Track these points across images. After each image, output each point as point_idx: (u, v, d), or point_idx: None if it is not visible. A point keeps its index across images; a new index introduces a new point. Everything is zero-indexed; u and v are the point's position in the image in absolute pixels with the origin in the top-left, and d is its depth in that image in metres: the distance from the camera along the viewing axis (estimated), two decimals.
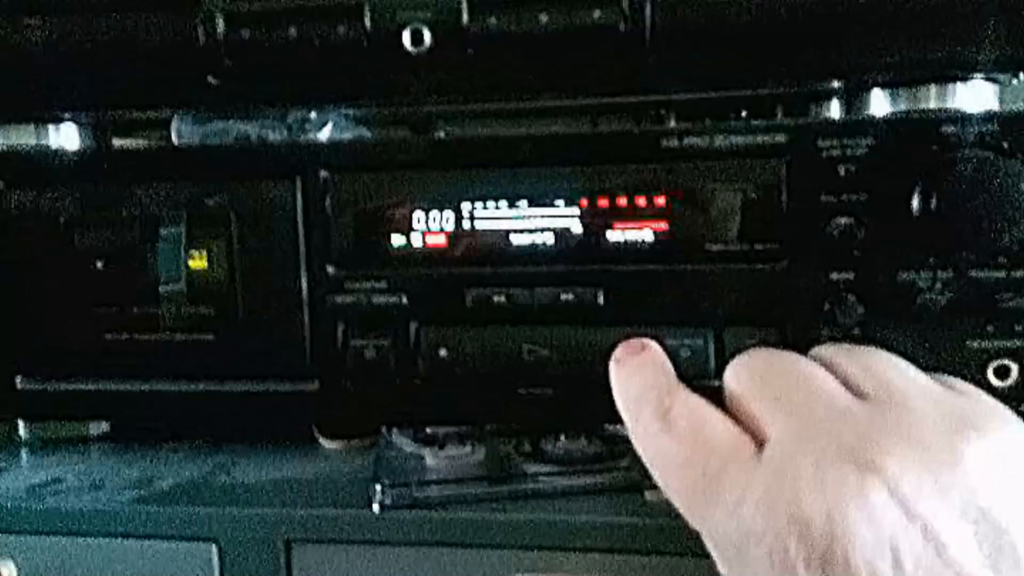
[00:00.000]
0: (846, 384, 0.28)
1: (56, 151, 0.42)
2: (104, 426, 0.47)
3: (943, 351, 0.33)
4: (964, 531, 0.23)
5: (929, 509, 0.23)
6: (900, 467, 0.24)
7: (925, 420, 0.26)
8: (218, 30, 0.36)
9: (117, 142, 0.47)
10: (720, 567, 0.27)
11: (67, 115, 0.42)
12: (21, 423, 0.47)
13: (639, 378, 0.31)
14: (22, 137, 0.42)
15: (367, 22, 0.35)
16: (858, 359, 0.29)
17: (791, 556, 0.23)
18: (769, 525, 0.24)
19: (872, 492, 0.23)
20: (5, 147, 0.42)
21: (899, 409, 0.26)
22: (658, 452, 0.29)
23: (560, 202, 0.35)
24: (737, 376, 0.30)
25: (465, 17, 0.34)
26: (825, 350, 0.31)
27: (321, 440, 0.45)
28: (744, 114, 0.46)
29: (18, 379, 0.39)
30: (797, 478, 0.24)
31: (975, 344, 0.33)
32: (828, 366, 0.29)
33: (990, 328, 0.33)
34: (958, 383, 0.29)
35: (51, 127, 0.42)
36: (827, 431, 0.25)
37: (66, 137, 0.43)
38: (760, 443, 0.27)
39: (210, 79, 0.36)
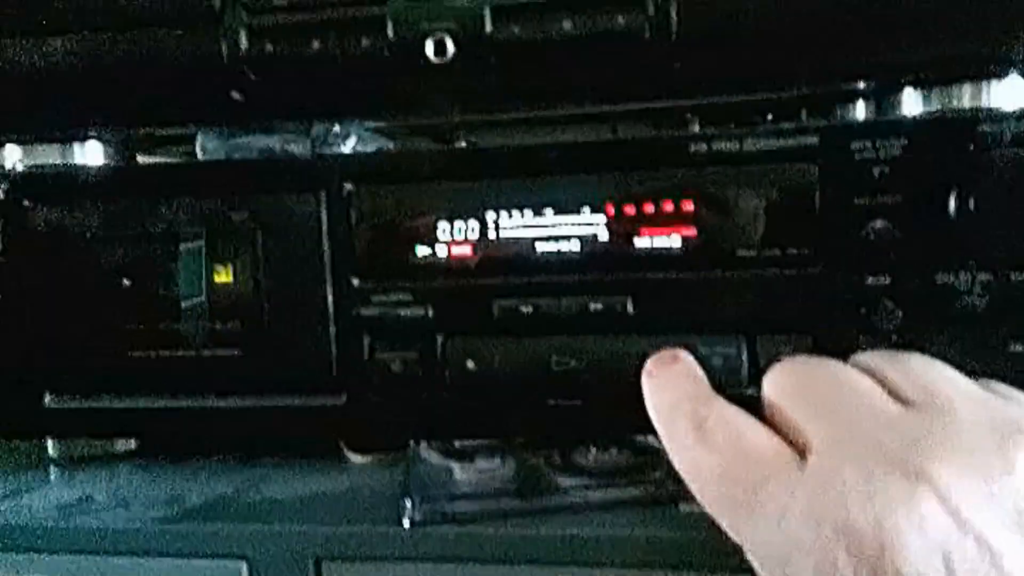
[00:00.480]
0: (889, 391, 0.27)
1: (82, 169, 0.42)
2: (131, 443, 0.47)
3: (984, 355, 0.32)
4: (1018, 539, 0.22)
5: (981, 517, 0.22)
6: (950, 475, 0.23)
7: (973, 426, 0.25)
8: (241, 45, 0.36)
9: (141, 159, 0.47)
10: None
11: (92, 133, 0.42)
12: (49, 441, 0.48)
13: (672, 390, 0.30)
14: (48, 156, 0.43)
15: (390, 33, 0.35)
16: (901, 365, 0.29)
17: (840, 568, 0.23)
18: (816, 537, 0.24)
19: (922, 501, 0.23)
20: (31, 166, 0.42)
21: (946, 415, 0.26)
22: (695, 465, 0.28)
23: (586, 209, 0.35)
24: (776, 385, 0.29)
25: (488, 25, 0.34)
26: (865, 357, 0.30)
27: (348, 454, 0.45)
28: (769, 117, 0.46)
29: (46, 397, 0.39)
30: (844, 488, 0.24)
31: (1017, 347, 0.33)
32: (870, 373, 0.28)
33: None
34: (1003, 388, 0.29)
35: (76, 145, 0.43)
36: (873, 439, 0.25)
37: (91, 155, 0.43)
38: (802, 453, 0.26)
39: (234, 94, 0.37)
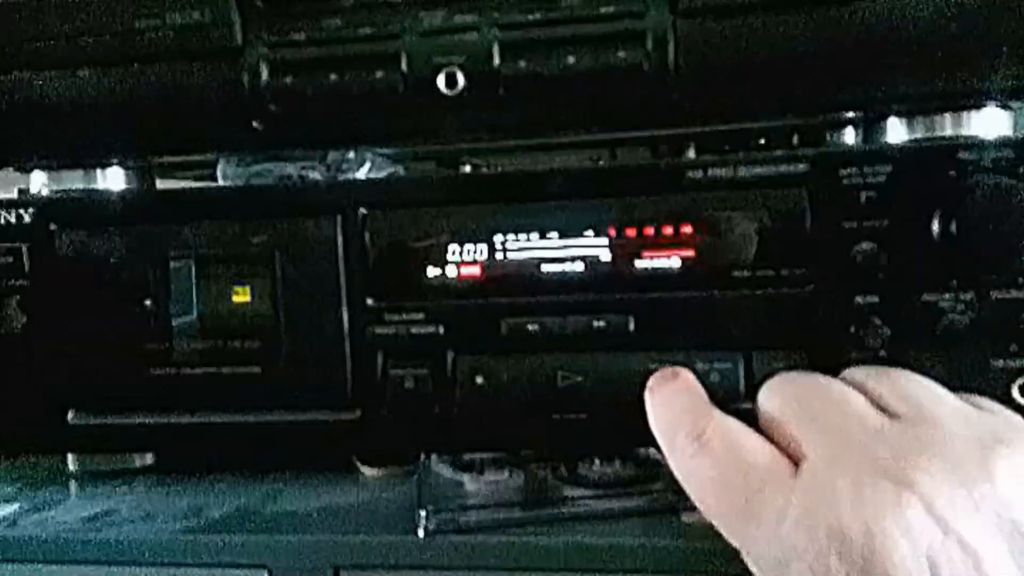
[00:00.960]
0: (877, 405, 0.29)
1: (106, 194, 0.44)
2: (148, 458, 0.48)
3: (968, 370, 0.34)
4: (998, 544, 0.24)
5: (964, 523, 0.24)
6: (934, 483, 0.24)
7: (956, 437, 0.26)
8: (262, 78, 0.37)
9: (160, 183, 0.49)
10: None
11: (115, 160, 0.44)
12: (70, 457, 0.49)
13: (672, 404, 0.32)
14: (72, 181, 0.44)
15: (404, 67, 0.36)
16: (888, 380, 0.30)
17: (833, 572, 0.24)
18: (810, 542, 0.25)
19: (908, 508, 0.24)
20: (57, 191, 0.44)
21: (930, 427, 0.27)
22: (695, 474, 0.30)
23: (590, 233, 0.36)
24: (771, 399, 0.31)
25: (497, 60, 0.36)
26: (855, 372, 0.32)
27: (361, 468, 0.46)
28: (761, 143, 0.47)
29: (70, 414, 0.40)
30: (835, 496, 0.25)
31: (999, 363, 0.34)
32: (859, 388, 0.30)
33: (1013, 347, 0.34)
34: (984, 401, 0.30)
35: (98, 171, 0.44)
36: (862, 450, 0.26)
37: (113, 180, 0.45)
38: (796, 463, 0.28)
39: (254, 124, 0.38)
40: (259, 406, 0.39)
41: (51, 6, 0.38)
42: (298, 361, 0.39)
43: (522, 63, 0.36)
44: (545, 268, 0.37)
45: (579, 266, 0.37)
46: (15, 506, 0.44)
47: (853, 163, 0.34)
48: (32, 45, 0.39)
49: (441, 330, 0.37)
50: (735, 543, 0.28)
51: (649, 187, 0.36)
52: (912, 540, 0.24)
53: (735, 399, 0.34)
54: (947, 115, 0.37)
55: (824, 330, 0.35)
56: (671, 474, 0.31)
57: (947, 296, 0.34)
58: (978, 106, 0.37)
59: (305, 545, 0.38)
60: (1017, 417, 0.29)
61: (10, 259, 0.40)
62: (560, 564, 0.37)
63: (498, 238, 0.37)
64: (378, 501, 0.42)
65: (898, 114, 0.38)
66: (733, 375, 0.35)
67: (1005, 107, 0.37)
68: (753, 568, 0.28)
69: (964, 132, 0.37)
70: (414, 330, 0.37)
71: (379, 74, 0.36)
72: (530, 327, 0.37)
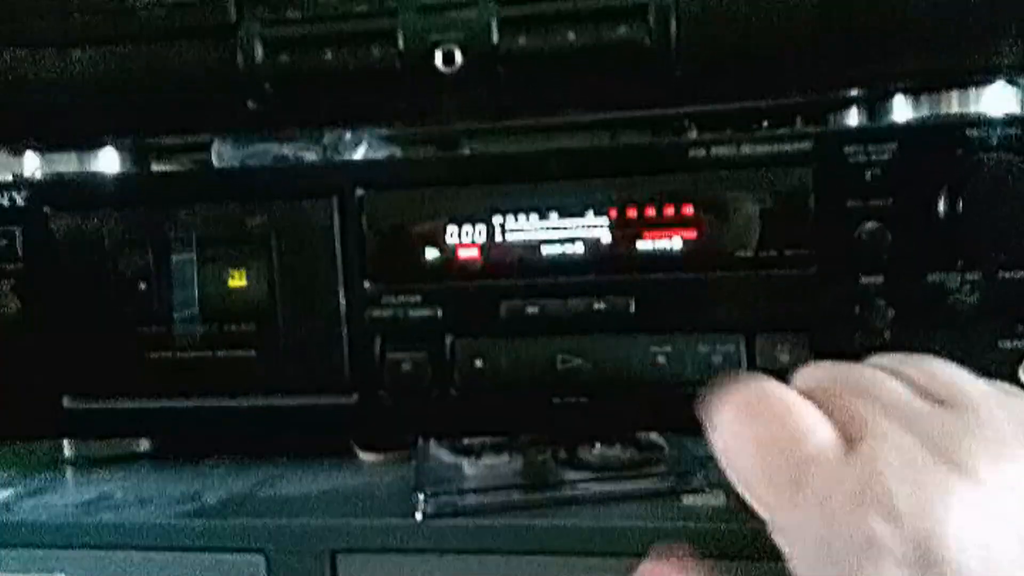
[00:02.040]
0: (916, 390, 0.28)
1: (100, 176, 0.43)
2: (145, 444, 0.48)
3: (974, 351, 0.33)
4: None
5: (1018, 507, 0.23)
6: (988, 467, 0.24)
7: (999, 422, 0.26)
8: (257, 56, 0.37)
9: (155, 166, 0.48)
10: (796, 567, 0.27)
11: (109, 141, 0.44)
12: (66, 443, 0.48)
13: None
14: (65, 163, 0.44)
15: (400, 44, 0.36)
16: (920, 366, 0.30)
17: (883, 554, 0.24)
18: (860, 522, 0.25)
19: (966, 491, 0.24)
20: (50, 174, 0.43)
21: (975, 412, 0.27)
22: (739, 437, 0.28)
23: (590, 213, 0.36)
24: (812, 378, 0.30)
25: (495, 36, 0.36)
26: (883, 359, 0.31)
27: (359, 453, 0.46)
28: (765, 123, 0.47)
29: (65, 399, 0.40)
30: (888, 476, 0.25)
31: (1006, 344, 0.34)
32: (893, 374, 0.29)
33: (1020, 328, 0.33)
34: (1006, 386, 0.30)
35: (92, 153, 0.44)
36: (914, 432, 0.26)
37: (107, 163, 0.44)
38: (848, 440, 0.27)
39: (249, 103, 0.38)
40: (256, 390, 0.39)
41: None
42: (295, 345, 0.38)
43: (521, 40, 0.35)
44: (545, 250, 0.37)
45: (579, 247, 0.36)
46: (11, 491, 0.44)
47: (858, 141, 0.34)
48: (23, 23, 0.38)
49: (439, 313, 0.37)
50: (769, 515, 0.27)
51: (651, 166, 0.36)
52: (968, 524, 0.23)
53: None
54: (954, 92, 0.37)
55: (828, 311, 0.34)
56: (672, 458, 0.30)
57: (953, 276, 0.34)
58: (985, 82, 0.36)
59: (302, 529, 0.38)
60: None
61: (4, 242, 0.40)
62: (559, 547, 0.37)
63: (497, 219, 0.37)
64: (376, 485, 0.42)
65: (904, 91, 0.38)
66: (736, 357, 0.35)
67: (1013, 83, 0.37)
68: (785, 546, 0.27)
69: (971, 109, 0.37)
70: (412, 313, 0.37)
71: (375, 51, 0.36)
72: (530, 310, 0.37)
